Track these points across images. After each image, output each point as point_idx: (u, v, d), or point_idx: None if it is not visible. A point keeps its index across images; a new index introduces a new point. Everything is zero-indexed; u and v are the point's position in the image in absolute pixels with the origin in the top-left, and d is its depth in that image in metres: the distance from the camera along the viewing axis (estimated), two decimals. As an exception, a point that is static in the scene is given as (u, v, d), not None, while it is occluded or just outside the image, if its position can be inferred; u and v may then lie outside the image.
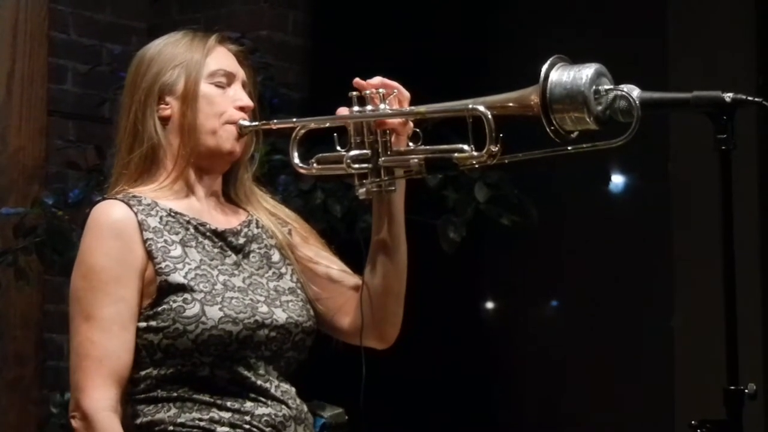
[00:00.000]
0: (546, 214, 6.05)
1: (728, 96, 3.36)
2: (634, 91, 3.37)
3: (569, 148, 3.45)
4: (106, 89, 6.87)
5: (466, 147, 3.58)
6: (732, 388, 3.35)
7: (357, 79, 3.72)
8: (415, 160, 3.70)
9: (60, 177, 6.50)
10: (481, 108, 3.54)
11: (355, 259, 3.97)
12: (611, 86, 3.39)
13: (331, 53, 6.91)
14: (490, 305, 7.01)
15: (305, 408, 3.80)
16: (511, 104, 3.51)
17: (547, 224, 6.09)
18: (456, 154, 3.61)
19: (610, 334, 6.71)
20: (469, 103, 3.57)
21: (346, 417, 3.84)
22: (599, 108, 3.38)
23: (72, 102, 6.85)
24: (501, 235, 6.04)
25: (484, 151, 3.54)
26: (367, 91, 3.71)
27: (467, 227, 5.81)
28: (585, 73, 3.37)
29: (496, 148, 3.52)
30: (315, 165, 3.83)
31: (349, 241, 4.23)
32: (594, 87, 3.37)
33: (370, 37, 6.54)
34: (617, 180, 6.81)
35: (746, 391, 3.33)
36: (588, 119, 3.38)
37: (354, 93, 3.72)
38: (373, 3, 6.73)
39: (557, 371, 6.89)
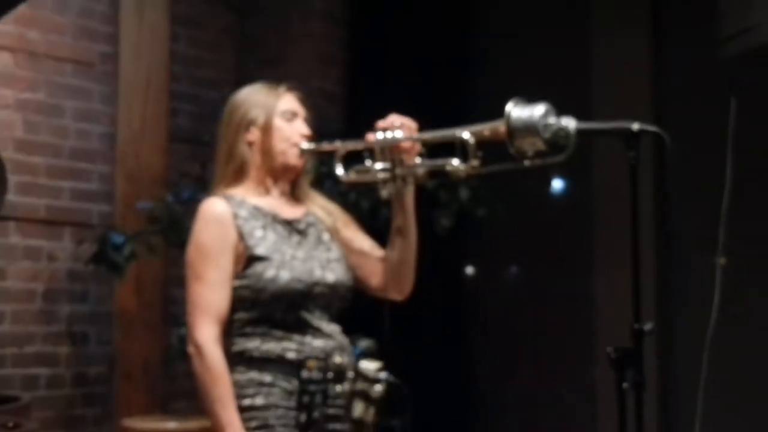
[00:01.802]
0: (509, 209, 6.09)
1: (635, 125, 3.44)
2: (571, 123, 3.41)
3: (526, 162, 3.49)
4: (207, 123, 6.92)
5: (455, 161, 3.64)
6: (636, 326, 3.42)
7: (379, 122, 3.80)
8: (421, 170, 3.78)
9: (177, 183, 6.51)
10: (465, 135, 3.60)
11: (379, 239, 4.03)
12: (555, 119, 3.43)
13: (360, 97, 6.94)
14: (469, 271, 7.03)
15: (347, 341, 3.86)
16: (485, 132, 3.55)
17: (509, 215, 6.12)
18: (448, 167, 3.68)
19: (552, 294, 6.72)
20: (457, 131, 3.62)
21: (376, 345, 3.89)
22: (547, 135, 3.41)
23: (184, 132, 6.85)
24: (477, 222, 6.06)
25: (468, 164, 3.60)
26: (386, 124, 3.79)
27: (454, 217, 5.87)
28: (537, 110, 3.41)
29: (477, 162, 3.58)
30: (352, 174, 3.90)
31: (374, 227, 4.25)
32: (543, 121, 3.41)
33: (386, 83, 6.56)
34: (557, 184, 6.83)
35: (645, 328, 3.42)
36: (539, 143, 3.41)
37: (378, 125, 3.79)
38: (385, 63, 6.76)
39: (513, 313, 6.90)
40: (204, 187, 5.99)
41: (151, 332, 6.68)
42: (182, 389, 6.82)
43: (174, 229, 6.00)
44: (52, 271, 6.41)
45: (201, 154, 6.80)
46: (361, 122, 4.03)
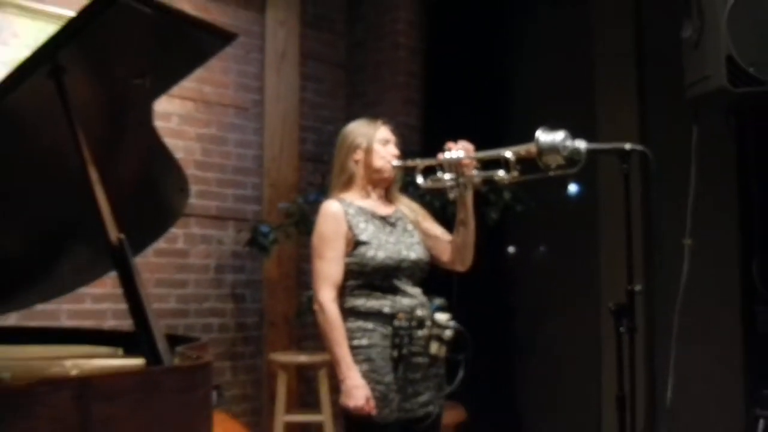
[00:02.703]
0: (539, 205, 6.04)
1: (627, 145, 3.40)
2: (582, 144, 3.39)
3: (550, 173, 3.45)
4: (326, 147, 6.92)
5: (501, 172, 3.60)
6: (629, 287, 3.38)
7: (447, 144, 3.77)
8: (477, 179, 3.74)
9: (305, 190, 6.52)
10: (508, 153, 3.56)
11: (447, 227, 4.00)
12: (571, 141, 3.40)
13: (432, 128, 6.92)
14: (510, 251, 6.98)
15: (426, 299, 3.82)
16: (522, 152, 3.52)
17: (539, 210, 6.07)
18: (496, 177, 3.64)
19: (568, 266, 6.66)
20: (501, 151, 3.58)
21: (446, 303, 3.85)
22: (565, 153, 3.38)
23: (310, 154, 6.86)
24: (516, 215, 6.01)
25: (510, 174, 3.56)
26: (452, 146, 3.76)
27: (500, 212, 5.82)
28: (558, 135, 3.38)
29: (516, 173, 3.54)
30: (428, 182, 3.86)
31: (444, 219, 4.22)
32: (563, 143, 3.38)
33: (450, 118, 6.52)
34: (572, 188, 6.77)
35: (636, 289, 3.38)
36: (560, 159, 3.39)
37: (446, 146, 3.76)
38: (450, 103, 6.74)
39: (540, 281, 6.85)
40: (324, 192, 5.99)
41: (288, 294, 6.70)
42: (310, 334, 6.82)
43: (303, 222, 6.00)
44: (220, 251, 6.44)
45: (321, 169, 6.82)
46: (433, 146, 4.02)
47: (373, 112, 6.59)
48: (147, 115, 2.69)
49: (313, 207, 5.85)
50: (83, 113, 2.33)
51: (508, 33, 7.13)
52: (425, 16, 7.25)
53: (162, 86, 2.61)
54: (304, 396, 6.72)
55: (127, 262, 2.15)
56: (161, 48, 2.37)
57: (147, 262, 5.75)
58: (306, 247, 6.66)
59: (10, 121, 2.45)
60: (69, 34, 2.22)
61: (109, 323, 5.73)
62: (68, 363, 2.75)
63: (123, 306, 5.54)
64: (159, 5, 2.23)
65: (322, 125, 7.15)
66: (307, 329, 6.81)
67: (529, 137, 3.47)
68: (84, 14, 2.19)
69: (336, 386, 3.77)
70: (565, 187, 6.55)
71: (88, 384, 1.73)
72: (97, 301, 5.67)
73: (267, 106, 6.71)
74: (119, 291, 5.51)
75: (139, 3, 2.16)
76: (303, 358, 6.15)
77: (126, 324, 5.52)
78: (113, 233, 2.20)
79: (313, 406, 6.45)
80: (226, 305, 6.48)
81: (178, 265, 6.19)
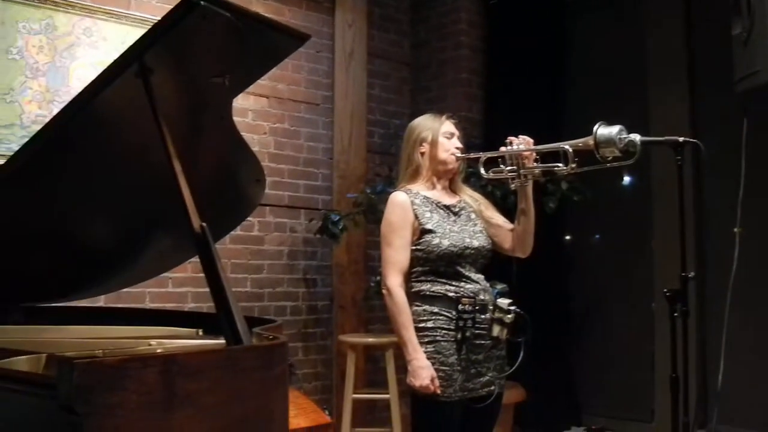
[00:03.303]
0: (595, 195, 6.00)
1: (681, 138, 3.38)
2: (637, 137, 3.38)
3: (607, 165, 3.45)
4: (392, 141, 6.93)
5: (561, 164, 3.60)
6: (683, 274, 3.36)
7: (509, 138, 3.76)
8: (537, 171, 3.73)
9: (372, 180, 6.53)
10: (566, 146, 3.55)
11: (508, 216, 4.00)
12: (626, 135, 3.38)
13: (493, 122, 6.91)
14: (567, 237, 6.94)
15: (488, 284, 3.83)
16: (579, 144, 3.51)
17: (595, 200, 6.04)
18: (556, 169, 3.63)
19: (624, 253, 6.62)
20: (561, 144, 3.58)
21: (508, 288, 3.85)
22: (621, 146, 3.38)
23: (377, 146, 6.87)
24: (572, 204, 5.98)
25: (569, 166, 3.55)
26: (513, 139, 3.75)
27: (558, 201, 5.80)
28: (614, 129, 3.38)
29: (574, 165, 3.53)
30: (490, 174, 3.86)
31: (505, 208, 4.23)
32: (619, 136, 3.37)
33: (510, 113, 6.52)
34: (626, 178, 6.72)
35: (689, 275, 3.36)
36: (616, 151, 3.39)
37: (508, 140, 3.76)
38: (509, 99, 6.73)
39: (597, 266, 6.81)
40: (390, 183, 6.03)
41: (357, 278, 6.73)
42: (377, 316, 6.86)
43: (371, 211, 6.03)
44: (293, 238, 6.49)
45: (388, 161, 6.85)
46: (493, 139, 4.03)
47: (436, 107, 6.61)
48: (226, 111, 2.73)
49: (380, 197, 5.89)
50: (167, 110, 2.37)
51: (564, 31, 7.09)
52: (485, 16, 7.23)
53: (240, 84, 2.64)
54: (371, 375, 6.74)
55: (209, 248, 2.18)
56: (240, 49, 2.40)
57: (225, 248, 5.82)
58: (373, 235, 6.71)
59: (101, 117, 2.49)
60: (155, 37, 2.26)
61: (189, 305, 5.81)
62: (153, 342, 2.81)
63: (202, 289, 5.69)
64: (238, 9, 2.26)
65: (388, 119, 7.17)
66: (374, 312, 6.85)
67: (585, 130, 3.47)
68: (168, 18, 2.22)
69: (402, 366, 3.79)
70: (620, 178, 6.50)
71: (173, 361, 1.77)
72: (178, 285, 5.74)
73: (336, 102, 6.74)
74: (199, 275, 5.59)
75: (220, 7, 2.19)
76: (371, 340, 6.18)
77: (205, 306, 5.66)
78: (196, 222, 2.23)
79: (380, 384, 6.48)
80: (299, 289, 6.52)
81: (254, 252, 6.24)
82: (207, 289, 5.53)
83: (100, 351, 2.50)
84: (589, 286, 6.84)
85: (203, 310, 5.61)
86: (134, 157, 2.81)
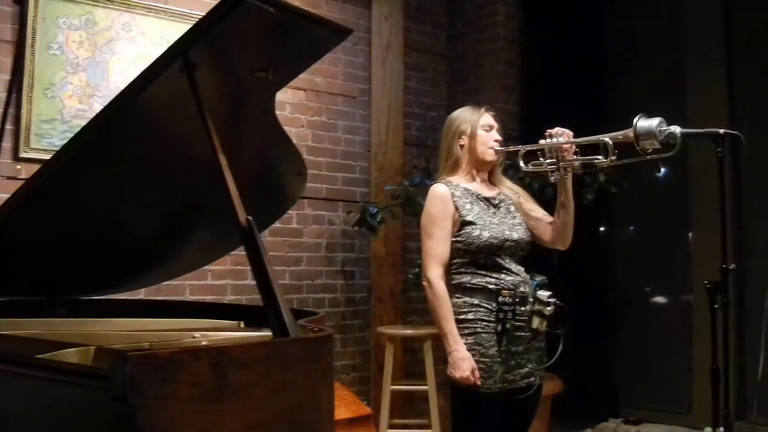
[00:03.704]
0: (632, 187, 5.98)
1: (721, 130, 3.37)
2: (677, 129, 3.37)
3: (647, 157, 3.44)
4: (429, 133, 6.94)
5: (600, 156, 3.59)
6: (724, 266, 3.35)
7: (548, 131, 3.76)
8: (576, 164, 3.72)
9: (410, 173, 6.54)
10: (606, 138, 3.54)
11: (546, 208, 4.01)
12: (666, 127, 3.37)
13: (530, 114, 6.90)
14: (604, 229, 6.91)
15: (528, 276, 3.83)
16: (619, 137, 3.50)
17: (632, 191, 6.01)
18: (595, 161, 3.62)
19: (660, 245, 6.59)
20: (600, 137, 3.57)
21: (547, 280, 3.85)
22: (661, 138, 3.36)
23: (414, 139, 6.88)
24: (609, 196, 5.96)
25: (608, 158, 3.55)
26: (553, 132, 3.74)
27: (595, 193, 5.78)
28: (654, 121, 3.37)
29: (614, 157, 3.52)
30: (530, 166, 3.85)
31: (542, 200, 4.23)
32: (659, 128, 3.36)
33: (547, 104, 6.49)
34: (663, 170, 6.69)
35: (730, 267, 3.35)
36: (656, 144, 3.37)
37: (547, 132, 3.75)
38: (547, 90, 6.71)
39: (633, 257, 6.78)
40: (428, 175, 6.04)
41: (394, 270, 6.75)
42: (415, 308, 6.87)
43: (408, 203, 6.04)
44: (331, 230, 6.51)
45: (425, 153, 6.85)
46: (531, 131, 4.03)
47: (473, 99, 6.60)
48: (269, 105, 2.75)
49: (418, 189, 5.90)
50: (211, 104, 2.39)
51: (601, 21, 7.05)
52: (522, 7, 7.21)
53: (283, 78, 2.67)
54: (409, 366, 6.76)
55: (255, 241, 2.20)
56: (283, 43, 2.42)
57: (264, 240, 5.82)
58: (410, 227, 6.74)
59: (145, 112, 2.52)
60: (200, 33, 2.28)
61: (229, 298, 5.84)
62: (197, 334, 2.83)
63: (241, 282, 5.72)
64: (282, 4, 2.27)
65: (426, 112, 7.17)
66: (412, 304, 6.86)
67: (623, 122, 3.46)
68: (214, 14, 2.24)
69: (440, 357, 3.81)
70: (657, 170, 6.47)
71: (224, 353, 1.79)
72: (217, 277, 5.78)
73: (374, 95, 6.75)
74: (238, 268, 5.69)
75: (264, 2, 2.20)
76: (409, 331, 6.19)
77: (244, 298, 5.68)
78: (242, 215, 2.26)
79: (417, 376, 6.50)
80: (337, 281, 6.54)
81: (293, 244, 6.27)
82: (246, 282, 5.66)
83: (147, 343, 2.53)
84: (626, 278, 6.82)
85: (242, 303, 5.66)
86: (177, 151, 2.83)
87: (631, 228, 7.00)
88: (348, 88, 6.65)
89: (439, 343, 3.78)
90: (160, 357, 1.70)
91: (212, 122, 2.34)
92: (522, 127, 6.86)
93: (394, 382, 5.97)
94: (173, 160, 2.87)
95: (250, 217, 2.23)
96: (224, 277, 5.80)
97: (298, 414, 2.00)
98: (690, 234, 6.38)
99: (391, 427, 5.91)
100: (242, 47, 2.42)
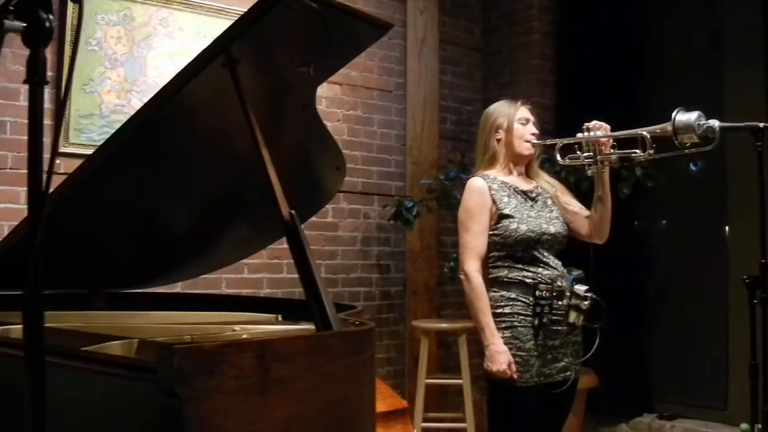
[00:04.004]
0: (668, 181, 5.95)
1: (761, 124, 3.36)
2: (716, 123, 3.35)
3: (686, 151, 3.42)
4: (464, 127, 6.94)
5: (638, 150, 3.57)
6: (763, 261, 3.34)
7: (586, 124, 3.75)
8: (614, 157, 3.71)
9: (445, 167, 6.53)
10: (644, 132, 3.53)
11: (582, 202, 4.01)
12: (705, 121, 3.36)
13: (565, 107, 6.87)
14: (641, 222, 6.86)
15: (565, 270, 3.83)
16: (657, 131, 3.48)
17: (668, 185, 5.98)
18: (633, 155, 3.61)
19: (697, 239, 6.55)
20: (638, 130, 3.55)
21: (583, 274, 3.85)
22: (700, 132, 3.35)
23: (449, 133, 6.88)
24: (645, 190, 5.93)
25: (646, 152, 3.53)
26: (590, 125, 3.73)
27: (632, 187, 5.76)
28: (693, 115, 3.35)
29: (652, 151, 3.51)
30: (566, 160, 3.85)
31: (578, 194, 4.23)
32: (698, 122, 3.34)
33: (582, 97, 6.47)
34: (694, 166, 6.63)
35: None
36: (695, 138, 3.36)
37: (584, 126, 3.74)
38: (582, 83, 6.67)
39: (670, 251, 6.73)
40: (463, 169, 6.04)
41: (429, 264, 6.75)
42: (449, 302, 6.88)
43: (444, 197, 6.04)
44: (367, 224, 6.51)
45: (460, 147, 6.85)
46: (566, 125, 4.03)
47: (508, 93, 6.59)
48: (310, 99, 2.76)
49: (454, 183, 5.90)
50: (253, 99, 2.40)
51: (638, 14, 7.00)
52: (557, 1, 7.19)
53: (324, 73, 2.67)
54: (443, 360, 6.76)
55: (299, 235, 2.21)
56: (325, 38, 2.42)
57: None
58: (445, 221, 6.74)
59: (187, 107, 2.53)
60: (242, 28, 2.29)
61: (265, 291, 5.86)
62: (237, 328, 2.85)
63: (277, 275, 5.75)
64: (325, -1, 2.28)
65: (460, 106, 7.16)
66: (446, 297, 6.87)
67: (658, 115, 3.45)
68: (256, 8, 2.25)
69: (475, 351, 3.82)
70: (693, 164, 6.44)
71: (268, 346, 1.80)
72: (253, 271, 5.81)
73: (409, 89, 6.75)
74: (274, 261, 5.72)
75: (307, -3, 2.21)
76: (444, 325, 6.18)
77: (279, 292, 5.70)
78: (285, 209, 2.26)
79: (451, 369, 6.51)
80: (372, 275, 6.55)
81: (328, 238, 6.28)
82: (282, 275, 5.68)
83: (188, 336, 2.55)
84: (661, 272, 6.78)
85: (278, 296, 5.68)
86: (217, 146, 2.85)
87: (668, 222, 6.95)
88: (384, 82, 6.65)
89: (474, 337, 3.79)
90: (205, 350, 1.72)
91: (254, 117, 2.35)
92: (557, 121, 6.84)
93: (428, 376, 5.97)
94: (213, 155, 2.88)
95: (293, 211, 2.24)
96: (260, 270, 5.82)
97: (340, 407, 2.01)
98: (727, 228, 6.34)
99: (425, 420, 5.92)
100: (284, 42, 2.43)
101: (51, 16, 1.32)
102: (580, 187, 5.15)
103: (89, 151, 5.10)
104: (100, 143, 5.11)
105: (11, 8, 1.26)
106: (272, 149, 2.40)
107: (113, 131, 5.06)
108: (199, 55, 2.39)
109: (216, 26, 5.58)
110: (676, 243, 6.76)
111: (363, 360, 2.10)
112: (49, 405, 1.90)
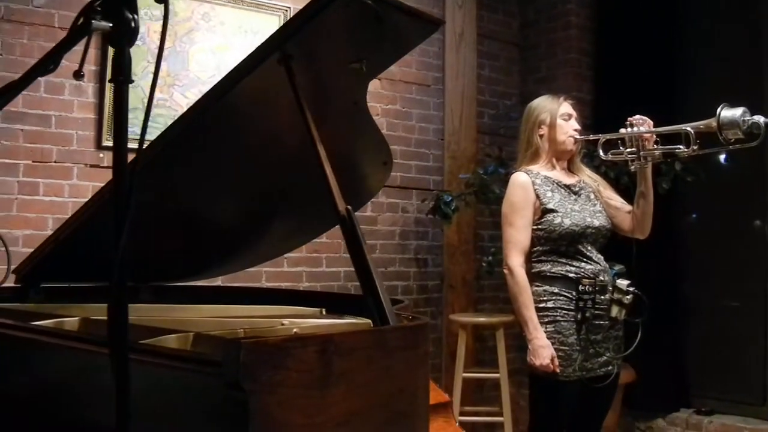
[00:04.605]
0: (708, 176, 5.91)
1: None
2: (761, 118, 3.34)
3: (730, 147, 3.42)
4: (502, 121, 6.94)
5: (681, 146, 3.57)
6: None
7: (629, 119, 3.75)
8: (657, 153, 3.71)
9: (483, 161, 6.53)
10: (688, 128, 3.52)
11: (623, 197, 4.01)
12: (750, 116, 3.35)
13: (603, 102, 6.85)
14: (680, 217, 6.82)
15: (607, 265, 3.83)
16: (702, 127, 3.48)
17: (708, 180, 5.94)
18: (677, 151, 3.60)
19: (736, 231, 6.50)
20: (683, 126, 3.55)
21: (625, 269, 3.85)
22: (745, 128, 3.34)
23: (487, 127, 6.87)
24: (685, 184, 5.90)
25: (690, 148, 3.53)
26: (633, 121, 3.73)
27: (671, 182, 5.73)
28: (738, 111, 3.35)
29: (696, 147, 3.50)
30: (609, 155, 3.85)
31: (617, 189, 4.22)
32: (742, 118, 3.33)
33: (620, 92, 6.45)
34: (741, 159, 6.60)
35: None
36: (739, 133, 3.35)
37: (628, 121, 3.74)
38: (620, 78, 6.64)
39: (709, 244, 6.70)
40: (501, 163, 6.05)
41: (467, 258, 6.75)
42: (487, 296, 6.88)
43: (482, 191, 6.04)
44: (405, 218, 6.52)
45: (498, 141, 6.85)
46: (604, 120, 4.03)
47: (545, 87, 6.58)
48: (361, 95, 2.77)
49: (492, 177, 5.90)
50: (306, 95, 2.41)
51: (675, 7, 6.95)
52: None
53: (376, 69, 2.68)
54: (479, 354, 6.77)
55: (355, 229, 2.22)
56: (378, 35, 2.43)
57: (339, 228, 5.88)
58: (482, 215, 6.75)
59: (241, 103, 2.55)
60: (299, 24, 2.30)
61: (304, 285, 5.88)
62: (286, 321, 2.86)
63: (316, 269, 5.79)
64: (379, -5, 2.29)
65: (498, 100, 7.16)
66: (483, 292, 6.87)
67: (696, 109, 3.45)
68: (313, 5, 2.26)
69: (511, 346, 3.84)
70: (734, 158, 6.41)
71: (330, 340, 1.82)
72: (293, 264, 5.83)
73: (447, 83, 6.75)
74: (313, 255, 5.74)
75: (363, -5, 2.22)
76: (482, 319, 6.18)
77: (319, 285, 5.73)
78: (341, 205, 2.28)
79: (486, 363, 6.52)
80: (410, 269, 6.56)
81: (367, 232, 6.28)
82: (321, 269, 5.72)
83: (241, 330, 2.56)
84: (699, 267, 6.74)
85: (317, 289, 5.71)
86: (266, 142, 2.87)
87: (707, 217, 6.91)
88: (422, 77, 6.65)
89: (510, 331, 3.80)
90: (271, 344, 1.74)
91: (309, 113, 2.36)
92: (595, 115, 6.81)
93: (465, 370, 5.98)
94: (261, 150, 2.90)
95: (349, 207, 2.26)
96: (300, 264, 5.85)
97: (396, 401, 2.02)
98: (766, 222, 6.30)
99: (461, 414, 5.93)
100: (338, 39, 2.44)
101: (136, 16, 1.34)
102: (620, 182, 5.15)
103: (132, 145, 5.17)
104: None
105: (98, 8, 1.27)
106: (324, 144, 2.41)
107: (155, 125, 5.15)
108: (254, 51, 2.40)
109: (257, 21, 5.61)
110: (714, 237, 6.73)
111: (419, 354, 2.12)
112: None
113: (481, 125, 6.97)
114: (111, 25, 1.33)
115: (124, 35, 1.35)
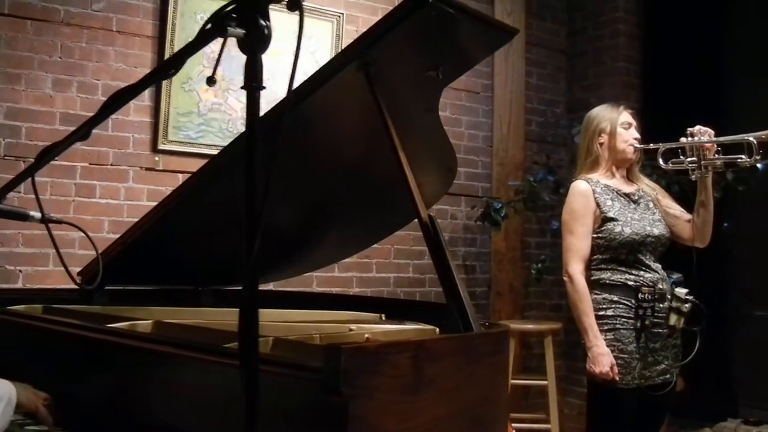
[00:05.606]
0: (759, 184, 5.88)
1: None
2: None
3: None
4: (549, 129, 6.93)
5: (743, 156, 3.56)
6: None
7: (690, 129, 3.74)
8: (718, 162, 3.69)
9: (531, 168, 6.53)
10: (751, 138, 3.51)
11: (684, 206, 4.00)
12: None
13: (651, 110, 6.81)
14: (727, 226, 6.76)
15: (665, 273, 3.82)
16: (764, 137, 3.47)
17: (759, 189, 5.90)
18: (739, 160, 3.59)
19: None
20: (745, 136, 3.54)
21: (683, 277, 3.84)
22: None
23: (535, 134, 6.87)
24: (737, 193, 5.86)
25: (752, 158, 3.52)
26: (694, 131, 3.72)
27: (722, 191, 5.69)
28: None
29: (759, 156, 3.49)
30: (669, 164, 3.84)
31: (677, 198, 4.21)
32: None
33: (667, 100, 6.43)
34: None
35: None
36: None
37: (688, 131, 3.73)
38: (667, 86, 6.62)
39: (760, 252, 6.65)
40: (549, 171, 6.05)
41: (514, 265, 6.74)
42: (534, 303, 6.88)
43: (531, 199, 6.06)
44: (454, 225, 6.52)
45: (545, 149, 6.85)
46: (652, 128, 4.03)
47: (593, 96, 6.59)
48: (434, 103, 2.77)
49: (541, 185, 5.90)
50: (385, 102, 2.43)
51: (724, 18, 6.92)
52: (643, 3, 7.14)
53: (451, 77, 2.68)
54: (525, 361, 6.76)
55: (439, 237, 2.24)
56: (456, 43, 2.44)
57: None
58: (530, 222, 6.74)
59: (316, 109, 2.56)
60: (380, 33, 2.30)
61: (354, 290, 5.90)
62: (354, 327, 2.87)
63: (366, 274, 5.79)
64: (460, 5, 2.29)
65: (546, 107, 7.15)
66: (531, 298, 6.86)
67: (744, 118, 3.44)
68: (396, 13, 2.27)
69: (558, 353, 3.84)
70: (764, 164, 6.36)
71: (422, 347, 1.84)
72: (344, 270, 5.85)
73: (496, 90, 6.75)
74: (364, 260, 5.75)
75: (445, 4, 2.22)
76: (530, 326, 6.17)
77: (369, 290, 5.73)
78: (424, 212, 2.29)
79: (532, 370, 6.50)
80: (458, 275, 6.54)
81: (417, 238, 6.24)
82: (371, 274, 5.72)
83: (317, 335, 2.57)
84: (748, 275, 6.70)
85: (367, 295, 5.71)
86: (331, 149, 2.89)
87: (757, 225, 6.86)
88: (471, 84, 6.66)
89: (557, 339, 3.81)
90: (368, 350, 1.76)
91: (390, 120, 2.38)
92: (642, 124, 6.76)
93: (512, 377, 5.98)
94: (330, 157, 2.92)
95: (432, 214, 2.27)
96: (350, 269, 5.86)
97: (481, 407, 2.03)
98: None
99: (509, 421, 5.92)
100: (417, 46, 2.44)
101: (269, 23, 1.36)
102: (671, 190, 5.12)
103: (187, 149, 5.22)
104: (197, 141, 5.23)
105: (233, 15, 1.29)
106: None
107: (208, 129, 5.17)
108: (333, 58, 2.42)
109: (309, 26, 5.63)
110: (762, 246, 6.68)
111: (502, 360, 2.13)
112: (212, 402, 1.96)
113: (528, 132, 6.97)
114: (244, 32, 1.34)
115: (257, 42, 1.36)
